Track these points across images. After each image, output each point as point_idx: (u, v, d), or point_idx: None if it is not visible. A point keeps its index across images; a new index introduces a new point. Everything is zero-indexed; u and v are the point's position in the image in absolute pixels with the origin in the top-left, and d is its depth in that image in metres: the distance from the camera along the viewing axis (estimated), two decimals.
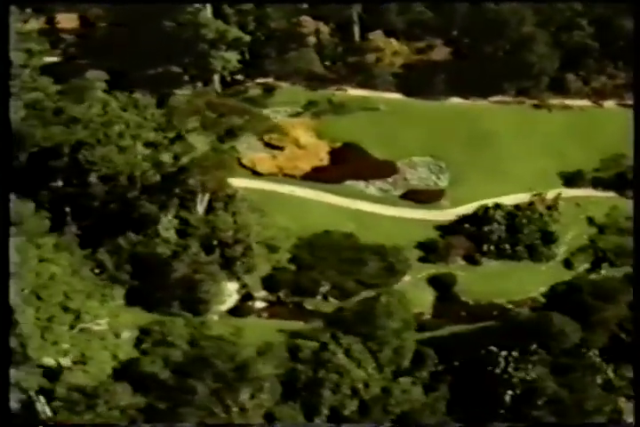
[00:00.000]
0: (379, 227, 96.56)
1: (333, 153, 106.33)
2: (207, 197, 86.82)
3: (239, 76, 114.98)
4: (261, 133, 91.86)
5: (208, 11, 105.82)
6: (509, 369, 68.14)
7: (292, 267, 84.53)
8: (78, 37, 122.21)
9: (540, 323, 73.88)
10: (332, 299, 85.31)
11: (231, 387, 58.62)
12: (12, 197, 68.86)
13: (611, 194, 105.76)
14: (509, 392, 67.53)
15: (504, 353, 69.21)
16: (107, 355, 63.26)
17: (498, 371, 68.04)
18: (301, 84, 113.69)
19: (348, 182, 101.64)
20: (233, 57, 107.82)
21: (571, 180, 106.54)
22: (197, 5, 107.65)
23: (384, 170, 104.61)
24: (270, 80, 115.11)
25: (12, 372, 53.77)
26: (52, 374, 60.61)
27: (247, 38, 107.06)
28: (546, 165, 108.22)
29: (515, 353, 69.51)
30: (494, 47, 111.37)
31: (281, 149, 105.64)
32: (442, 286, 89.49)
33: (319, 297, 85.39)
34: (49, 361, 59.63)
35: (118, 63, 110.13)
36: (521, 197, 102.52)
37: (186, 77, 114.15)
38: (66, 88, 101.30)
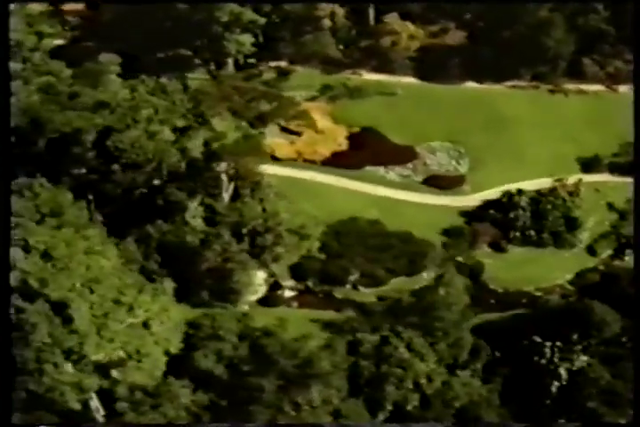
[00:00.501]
0: (403, 213, 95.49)
1: (351, 138, 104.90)
2: (233, 184, 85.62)
3: (251, 60, 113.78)
4: (290, 119, 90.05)
5: None
6: (555, 359, 67.72)
7: (321, 255, 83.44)
8: (83, 19, 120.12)
9: (579, 312, 73.40)
10: (361, 287, 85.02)
11: (298, 384, 57.31)
12: (48, 185, 66.81)
13: (629, 179, 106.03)
14: (556, 383, 67.17)
15: (549, 343, 68.78)
16: (159, 351, 61.37)
17: (544, 361, 67.71)
18: (316, 68, 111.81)
19: (368, 168, 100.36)
20: (247, 40, 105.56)
21: (588, 165, 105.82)
22: None
23: (403, 155, 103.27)
24: (284, 63, 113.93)
25: (70, 370, 52.02)
26: (108, 372, 59.02)
27: (262, 21, 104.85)
28: (563, 151, 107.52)
29: (559, 343, 69.13)
30: (511, 31, 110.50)
31: (298, 134, 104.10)
32: (469, 273, 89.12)
33: (348, 286, 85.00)
34: (105, 358, 57.77)
35: (128, 46, 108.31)
36: (541, 183, 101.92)
37: (197, 61, 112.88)
38: (79, 72, 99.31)
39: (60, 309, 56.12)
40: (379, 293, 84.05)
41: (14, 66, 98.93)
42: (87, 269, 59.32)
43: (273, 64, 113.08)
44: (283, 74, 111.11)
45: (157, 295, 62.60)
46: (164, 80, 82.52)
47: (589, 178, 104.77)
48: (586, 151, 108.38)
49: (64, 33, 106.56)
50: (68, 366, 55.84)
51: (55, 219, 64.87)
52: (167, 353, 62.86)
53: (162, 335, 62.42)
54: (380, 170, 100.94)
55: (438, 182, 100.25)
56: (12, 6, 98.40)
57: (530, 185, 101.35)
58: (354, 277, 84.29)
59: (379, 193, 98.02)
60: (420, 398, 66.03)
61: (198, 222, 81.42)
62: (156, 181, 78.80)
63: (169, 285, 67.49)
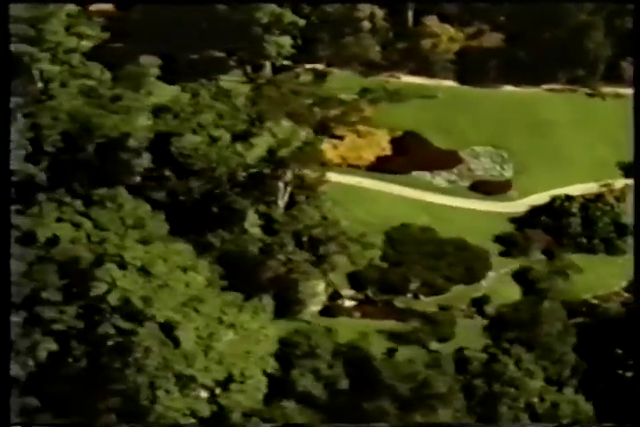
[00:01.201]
0: (453, 220, 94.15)
1: (394, 142, 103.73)
2: (288, 191, 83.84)
3: (287, 62, 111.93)
4: (354, 125, 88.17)
5: None
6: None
7: (381, 264, 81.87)
8: (110, 20, 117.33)
9: None
10: (422, 296, 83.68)
11: (415, 405, 55.63)
12: (128, 196, 63.89)
13: None
14: None
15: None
16: (259, 371, 58.98)
17: (629, 374, 66.72)
18: (353, 70, 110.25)
19: (415, 173, 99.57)
20: (286, 42, 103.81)
21: (629, 170, 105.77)
22: None
23: (448, 160, 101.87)
24: (320, 66, 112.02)
25: (180, 396, 49.40)
26: (215, 396, 56.46)
27: (302, 22, 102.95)
28: (605, 155, 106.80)
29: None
30: (550, 34, 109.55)
31: (340, 138, 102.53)
32: (526, 281, 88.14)
33: (409, 295, 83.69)
34: (212, 382, 55.16)
35: (165, 47, 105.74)
36: (586, 188, 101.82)
37: (231, 63, 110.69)
38: (120, 74, 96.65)
39: (167, 330, 54.03)
40: (439, 301, 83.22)
41: (51, 68, 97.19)
42: (187, 287, 57.30)
43: (309, 66, 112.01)
44: (320, 76, 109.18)
45: (257, 313, 60.30)
46: (225, 83, 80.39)
47: (631, 182, 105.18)
48: (625, 155, 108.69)
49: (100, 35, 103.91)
50: (177, 392, 53.46)
51: (137, 231, 62.73)
52: (265, 373, 60.86)
53: (260, 355, 60.23)
54: (427, 175, 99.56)
55: (485, 188, 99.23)
56: (51, 7, 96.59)
57: (575, 190, 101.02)
58: (414, 285, 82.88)
59: (427, 199, 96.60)
60: (530, 418, 65.22)
61: (256, 231, 79.68)
62: (219, 189, 77.07)
63: (268, 302, 65.41)
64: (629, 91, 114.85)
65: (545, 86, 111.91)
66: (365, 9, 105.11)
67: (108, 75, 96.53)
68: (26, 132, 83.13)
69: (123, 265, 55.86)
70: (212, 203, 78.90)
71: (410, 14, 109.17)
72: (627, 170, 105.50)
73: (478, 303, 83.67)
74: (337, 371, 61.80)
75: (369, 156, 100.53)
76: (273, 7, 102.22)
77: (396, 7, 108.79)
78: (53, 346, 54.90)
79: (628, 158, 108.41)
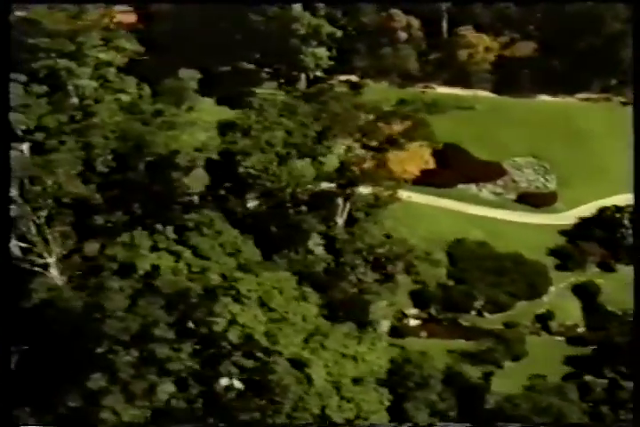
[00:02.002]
0: (506, 233, 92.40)
1: (436, 155, 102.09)
2: (347, 208, 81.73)
3: (318, 73, 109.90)
4: (421, 140, 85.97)
5: (298, 4, 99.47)
6: None
7: (445, 281, 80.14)
8: (136, 33, 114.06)
9: None
10: (486, 314, 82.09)
11: None
12: (226, 226, 60.12)
13: None
14: None
15: None
16: (380, 406, 54.82)
17: None
18: (387, 82, 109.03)
19: (460, 186, 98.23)
20: (324, 53, 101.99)
21: None
22: None
23: (492, 172, 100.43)
24: (353, 77, 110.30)
25: None
26: None
27: (339, 33, 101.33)
28: None
29: None
30: (584, 43, 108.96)
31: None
32: (586, 295, 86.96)
33: (473, 312, 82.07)
34: (345, 421, 52.02)
35: (199, 60, 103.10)
36: (628, 198, 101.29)
37: (263, 75, 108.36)
38: (161, 89, 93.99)
39: (298, 368, 51.27)
40: (504, 319, 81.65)
41: (88, 83, 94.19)
42: (304, 320, 54.43)
43: (342, 78, 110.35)
44: (355, 88, 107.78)
45: (375, 344, 57.74)
46: (289, 99, 77.97)
47: None
48: None
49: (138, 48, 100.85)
50: None
51: (233, 259, 59.92)
52: (382, 404, 57.75)
53: (378, 387, 56.95)
54: (473, 188, 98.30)
55: (532, 200, 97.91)
56: (88, 19, 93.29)
57: (619, 200, 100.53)
58: (479, 303, 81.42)
59: (476, 212, 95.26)
60: None
61: (320, 250, 77.52)
62: (281, 208, 74.73)
63: (384, 328, 62.72)
64: None
65: (579, 95, 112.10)
66: (402, 19, 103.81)
67: (147, 90, 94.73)
68: (76, 151, 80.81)
69: (238, 298, 53.01)
70: (275, 223, 76.82)
71: (444, 24, 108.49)
72: None
73: (542, 319, 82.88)
74: (450, 403, 59.54)
75: (413, 169, 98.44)
76: (310, 18, 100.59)
77: (430, 17, 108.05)
78: (171, 388, 52.11)
79: None
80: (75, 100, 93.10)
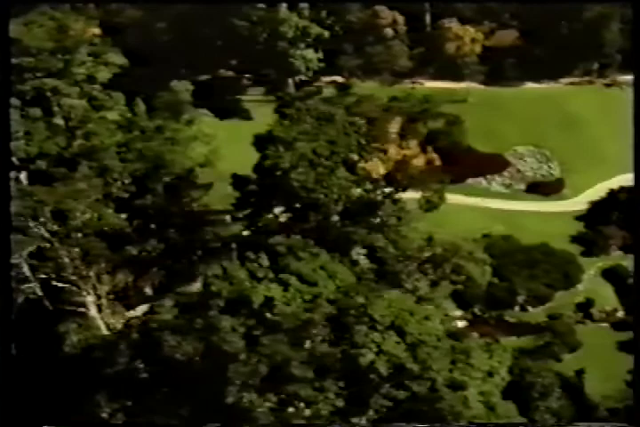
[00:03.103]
0: (524, 225, 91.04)
1: (438, 150, 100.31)
2: (380, 213, 78.78)
3: (303, 76, 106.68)
4: (459, 139, 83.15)
5: (284, 6, 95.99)
6: None
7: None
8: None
9: None
10: (529, 308, 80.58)
11: None
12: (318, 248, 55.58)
13: None
14: None
15: None
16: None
17: None
18: (375, 80, 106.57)
19: (470, 181, 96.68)
20: (313, 55, 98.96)
21: None
22: None
23: (497, 164, 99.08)
24: (338, 78, 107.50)
25: None
26: None
27: (327, 34, 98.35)
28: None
29: None
30: (565, 28, 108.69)
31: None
32: (616, 279, 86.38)
33: (517, 308, 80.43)
34: None
35: (179, 71, 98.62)
36: (628, 178, 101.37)
37: (245, 82, 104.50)
38: (156, 103, 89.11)
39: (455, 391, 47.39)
40: (546, 311, 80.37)
41: (78, 103, 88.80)
42: (439, 340, 50.44)
43: (327, 79, 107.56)
44: (343, 89, 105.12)
45: (503, 356, 54.61)
46: (326, 108, 74.30)
47: None
48: None
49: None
50: None
51: (331, 281, 56.15)
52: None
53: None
54: (482, 181, 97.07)
55: (541, 189, 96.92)
56: (76, 33, 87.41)
57: (621, 181, 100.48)
58: (521, 297, 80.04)
59: (491, 206, 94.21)
60: None
61: (363, 260, 74.31)
62: (326, 219, 71.37)
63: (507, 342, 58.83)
64: None
65: (563, 80, 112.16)
66: (387, 16, 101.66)
67: (141, 105, 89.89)
68: (93, 179, 75.44)
69: (373, 326, 48.07)
70: (321, 234, 72.87)
71: (428, 18, 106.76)
72: None
73: (582, 308, 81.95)
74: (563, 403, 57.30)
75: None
76: (297, 20, 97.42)
77: (412, 12, 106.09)
78: None
79: None
80: (61, 122, 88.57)
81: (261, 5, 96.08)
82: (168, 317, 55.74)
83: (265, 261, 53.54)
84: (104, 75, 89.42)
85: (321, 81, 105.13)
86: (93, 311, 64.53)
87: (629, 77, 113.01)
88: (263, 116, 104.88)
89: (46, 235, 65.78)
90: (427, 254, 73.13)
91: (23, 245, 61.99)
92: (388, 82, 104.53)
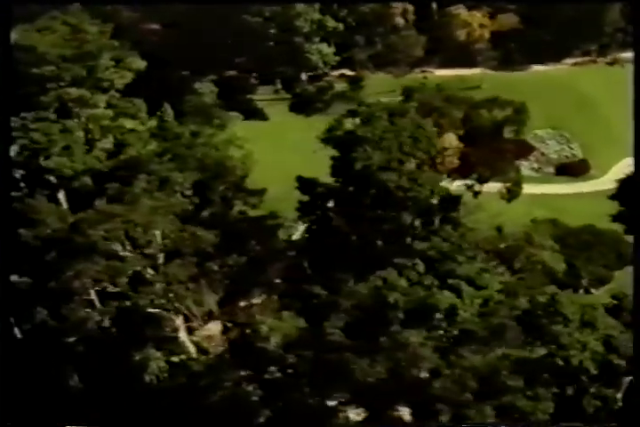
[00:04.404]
0: (566, 208, 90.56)
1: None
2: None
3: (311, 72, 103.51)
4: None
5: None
6: None
7: None
8: None
9: None
10: (593, 290, 79.72)
11: None
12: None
13: None
14: None
15: None
16: None
17: None
18: (383, 72, 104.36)
19: None
20: (328, 49, 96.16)
21: None
22: None
23: (523, 148, 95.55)
24: (347, 71, 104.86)
25: None
26: None
27: (341, 27, 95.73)
28: None
29: None
30: (566, 10, 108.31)
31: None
32: None
33: (581, 291, 79.42)
34: None
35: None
36: None
37: (253, 81, 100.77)
38: (186, 108, 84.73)
39: None
40: (609, 292, 79.48)
41: (101, 113, 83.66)
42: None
43: (335, 73, 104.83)
44: (353, 82, 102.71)
45: None
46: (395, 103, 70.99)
47: None
48: None
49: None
50: None
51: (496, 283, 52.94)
52: None
53: None
54: None
55: (569, 170, 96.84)
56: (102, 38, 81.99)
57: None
58: (585, 280, 79.24)
59: (527, 191, 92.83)
60: None
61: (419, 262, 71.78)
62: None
63: None
64: None
65: (568, 61, 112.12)
66: (398, 5, 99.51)
67: (169, 110, 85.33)
68: (154, 192, 70.01)
69: (567, 324, 44.85)
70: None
71: (434, 6, 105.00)
72: None
73: None
74: None
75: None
76: (312, 14, 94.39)
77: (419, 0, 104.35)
78: None
79: None
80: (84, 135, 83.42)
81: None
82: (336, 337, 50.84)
83: (421, 268, 50.87)
84: (123, 81, 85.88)
85: (330, 75, 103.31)
86: (183, 335, 60.51)
87: (629, 55, 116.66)
88: (277, 114, 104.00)
89: (138, 258, 59.81)
90: (502, 246, 71.91)
91: (118, 270, 56.71)
92: (399, 73, 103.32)
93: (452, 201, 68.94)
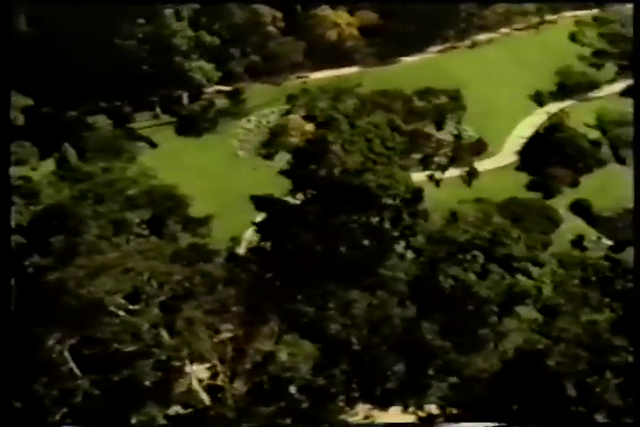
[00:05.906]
0: (480, 187, 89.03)
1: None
2: None
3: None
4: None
5: (168, 12, 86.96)
6: None
7: None
8: None
9: None
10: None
11: None
12: None
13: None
14: None
15: None
16: None
17: None
18: (259, 82, 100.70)
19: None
20: (207, 65, 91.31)
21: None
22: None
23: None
24: (222, 87, 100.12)
25: None
26: None
27: (217, 41, 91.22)
28: (517, 94, 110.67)
29: None
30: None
31: None
32: (582, 211, 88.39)
33: None
34: None
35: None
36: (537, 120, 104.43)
37: (128, 109, 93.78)
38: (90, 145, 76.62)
39: None
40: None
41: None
42: None
43: (209, 90, 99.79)
44: (233, 96, 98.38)
45: None
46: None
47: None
48: (530, 89, 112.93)
49: None
50: None
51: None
52: None
53: None
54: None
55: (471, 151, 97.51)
56: None
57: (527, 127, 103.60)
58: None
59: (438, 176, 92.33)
60: None
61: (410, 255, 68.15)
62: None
63: None
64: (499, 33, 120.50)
65: (431, 49, 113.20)
66: (267, 14, 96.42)
67: (71, 150, 77.15)
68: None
69: None
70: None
71: (299, 8, 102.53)
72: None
73: (577, 244, 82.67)
74: None
75: None
76: (188, 32, 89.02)
77: (282, 5, 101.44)
78: None
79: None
80: None
81: (142, 20, 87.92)
82: None
83: (480, 259, 48.15)
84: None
85: (207, 93, 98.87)
86: (194, 383, 52.70)
87: (484, 37, 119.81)
88: (166, 140, 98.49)
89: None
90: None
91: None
92: (277, 81, 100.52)
93: (416, 193, 67.51)
